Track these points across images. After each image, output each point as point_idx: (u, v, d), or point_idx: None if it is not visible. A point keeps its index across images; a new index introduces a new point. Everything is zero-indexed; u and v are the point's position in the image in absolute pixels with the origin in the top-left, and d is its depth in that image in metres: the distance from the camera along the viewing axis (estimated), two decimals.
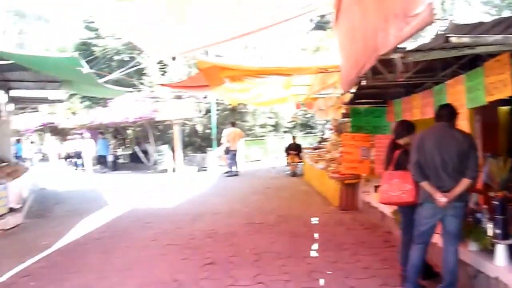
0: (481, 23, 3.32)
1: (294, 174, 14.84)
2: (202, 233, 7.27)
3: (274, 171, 16.44)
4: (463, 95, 4.38)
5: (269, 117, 22.19)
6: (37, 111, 17.75)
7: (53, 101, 14.58)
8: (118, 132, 22.47)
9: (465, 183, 3.84)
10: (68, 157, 23.69)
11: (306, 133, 24.20)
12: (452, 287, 3.94)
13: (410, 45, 3.36)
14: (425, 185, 3.99)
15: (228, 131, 16.05)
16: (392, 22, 2.68)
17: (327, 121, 18.63)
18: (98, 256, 6.16)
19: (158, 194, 11.91)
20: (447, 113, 4.08)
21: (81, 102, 26.40)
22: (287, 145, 16.59)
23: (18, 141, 20.29)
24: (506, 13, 19.68)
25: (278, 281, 4.84)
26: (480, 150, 4.53)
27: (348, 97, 8.06)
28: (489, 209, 4.23)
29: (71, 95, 23.81)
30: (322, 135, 19.25)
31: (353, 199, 8.72)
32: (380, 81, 5.18)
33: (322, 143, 15.44)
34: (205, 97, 18.71)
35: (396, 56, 3.44)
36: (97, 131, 20.82)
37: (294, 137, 16.91)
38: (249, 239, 6.78)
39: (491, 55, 3.73)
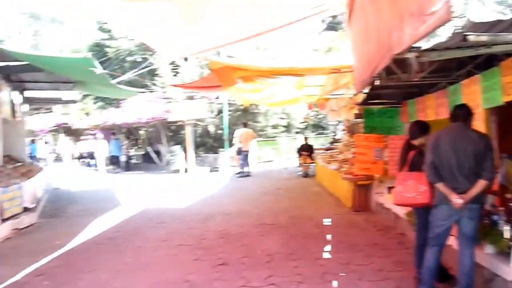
0: (499, 21, 3.24)
1: (306, 175, 14.79)
2: (214, 233, 7.27)
3: (286, 172, 16.40)
4: (478, 95, 4.31)
5: (281, 118, 22.14)
6: (51, 111, 17.93)
7: (67, 102, 14.72)
8: (131, 132, 22.62)
9: (481, 184, 3.78)
10: (81, 157, 23.91)
11: (318, 134, 24.12)
12: None
13: (425, 44, 3.31)
14: (440, 186, 3.93)
15: (240, 132, 16.05)
16: (408, 21, 2.64)
17: (339, 122, 18.54)
18: (111, 256, 6.19)
19: (171, 195, 11.95)
20: (462, 113, 4.01)
21: (94, 103, 26.62)
22: (299, 146, 16.54)
23: (32, 141, 20.53)
24: None
25: (291, 283, 4.81)
26: (497, 151, 4.44)
27: (361, 97, 7.98)
28: (505, 211, 4.16)
29: (85, 96, 24.00)
30: (334, 136, 19.16)
31: (366, 200, 8.65)
32: (393, 81, 5.11)
33: (334, 144, 15.37)
34: (217, 98, 18.74)
35: (411, 55, 3.39)
36: (110, 131, 20.99)
37: (306, 138, 16.86)
38: (261, 240, 6.76)
39: (508, 55, 3.66)
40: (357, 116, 9.15)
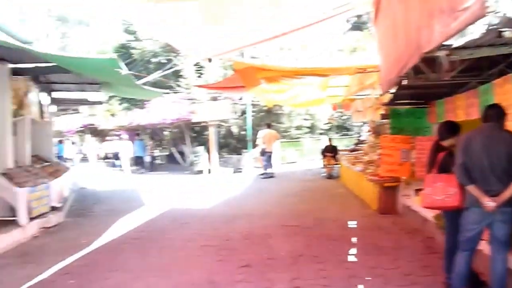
0: None
1: (330, 177, 14.64)
2: (238, 234, 7.25)
3: (310, 173, 16.28)
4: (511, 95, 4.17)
5: (305, 119, 22.01)
6: (78, 112, 18.27)
7: (93, 103, 14.99)
8: (155, 133, 22.86)
9: None
10: (106, 157, 24.29)
11: (342, 135, 23.88)
12: None
13: (456, 42, 3.20)
14: (471, 189, 3.80)
15: (263, 133, 16.01)
16: (438, 18, 2.55)
17: (364, 123, 18.31)
18: (136, 256, 6.23)
19: (194, 195, 12.00)
20: (495, 113, 3.88)
21: (120, 104, 27.01)
22: (323, 147, 16.40)
23: (60, 141, 20.95)
24: None
25: (316, 286, 4.74)
26: None
27: (387, 97, 7.84)
28: None
29: (110, 97, 24.35)
30: (358, 137, 18.92)
31: (393, 203, 8.49)
32: (422, 81, 4.99)
33: (359, 145, 15.18)
34: (240, 99, 18.76)
35: (441, 53, 3.29)
36: (134, 132, 21.26)
37: (330, 139, 16.72)
38: (285, 241, 6.69)
39: None
40: (383, 116, 9.00)
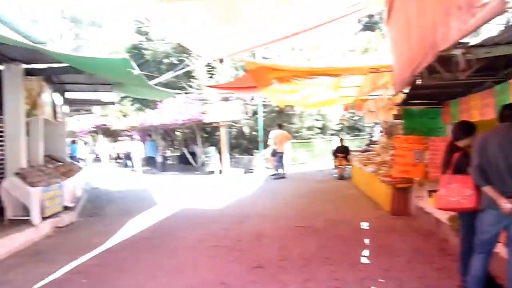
0: None
1: (341, 177, 14.55)
2: (249, 235, 7.22)
3: (321, 174, 16.21)
4: None
5: (316, 119, 21.91)
6: (91, 113, 18.41)
7: (106, 103, 15.07)
8: (167, 133, 22.95)
9: None
10: (118, 157, 24.44)
11: (353, 136, 23.74)
12: None
13: (473, 40, 3.13)
14: (488, 190, 3.72)
15: (275, 133, 15.98)
16: (455, 15, 2.49)
17: (376, 124, 18.17)
18: (148, 256, 6.23)
19: (206, 196, 12.01)
20: (511, 113, 3.79)
21: (132, 104, 27.21)
22: (334, 147, 16.31)
23: (73, 142, 21.12)
24: None
25: None
26: None
27: (400, 98, 7.75)
28: None
29: (122, 98, 24.58)
30: (370, 137, 18.80)
31: (406, 204, 8.39)
32: (436, 81, 4.90)
33: (370, 146, 15.07)
34: (252, 99, 18.75)
35: (457, 52, 3.22)
36: (146, 133, 21.36)
37: (342, 140, 16.62)
38: (297, 243, 6.65)
39: None
40: (396, 117, 8.89)
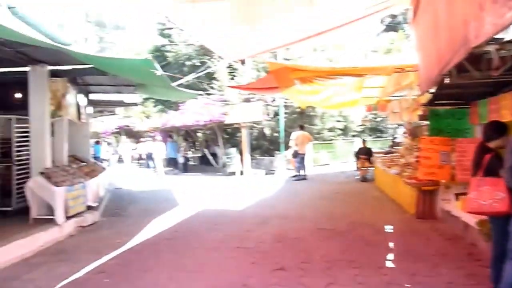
0: None
1: (364, 179, 14.34)
2: (271, 237, 7.14)
3: (343, 176, 16.01)
4: None
5: (338, 121, 21.69)
6: (114, 114, 18.63)
7: (129, 105, 15.22)
8: (189, 135, 23.07)
9: None
10: (140, 158, 24.67)
11: (375, 137, 23.41)
12: None
13: (507, 35, 3.00)
14: None
15: (296, 135, 15.86)
16: (490, 9, 2.38)
17: (399, 125, 17.88)
18: (169, 256, 6.22)
19: (227, 197, 11.98)
20: None
21: (154, 106, 27.47)
22: (357, 149, 16.10)
23: (97, 142, 21.41)
24: None
25: None
26: None
27: (425, 98, 7.57)
28: None
29: (145, 99, 24.83)
30: (393, 139, 18.50)
31: (431, 207, 8.17)
32: (466, 79, 4.74)
33: (394, 147, 14.82)
34: (273, 100, 18.68)
35: (491, 48, 3.08)
36: (167, 134, 21.51)
37: (364, 141, 16.40)
38: (320, 245, 6.55)
39: None
40: (422, 117, 8.71)
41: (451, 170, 7.42)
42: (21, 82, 8.27)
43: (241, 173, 17.42)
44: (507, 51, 3.16)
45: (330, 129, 21.50)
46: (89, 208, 8.89)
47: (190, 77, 13.77)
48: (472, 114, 7.07)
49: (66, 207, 7.77)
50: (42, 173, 7.81)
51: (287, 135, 17.43)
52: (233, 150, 18.17)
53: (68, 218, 7.78)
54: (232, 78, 20.28)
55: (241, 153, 17.75)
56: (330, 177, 16.15)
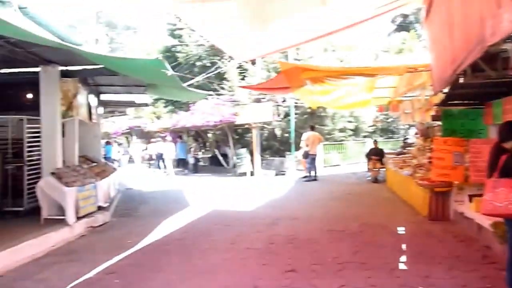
0: None
1: (375, 180, 14.22)
2: (282, 238, 7.10)
3: (355, 177, 15.90)
4: None
5: (349, 121, 21.56)
6: (125, 114, 18.71)
7: (139, 105, 15.29)
8: (199, 135, 23.11)
9: None
10: (151, 159, 24.78)
11: (387, 138, 23.23)
12: None
13: None
14: None
15: (307, 135, 15.78)
16: (508, 6, 2.32)
17: (410, 126, 17.71)
18: (180, 257, 6.21)
19: (237, 197, 11.96)
20: None
21: (165, 106, 27.56)
22: (368, 150, 15.98)
23: (108, 143, 21.55)
24: None
25: None
26: None
27: (438, 98, 7.47)
28: None
29: (156, 100, 24.91)
30: (405, 139, 18.35)
31: (444, 209, 8.06)
32: (481, 79, 4.66)
33: (406, 148, 14.67)
34: (284, 101, 18.63)
35: (508, 46, 3.02)
36: (177, 134, 21.56)
37: (375, 142, 16.26)
38: (331, 247, 6.49)
39: None
40: (434, 118, 8.60)
41: (465, 171, 7.30)
42: (32, 83, 8.33)
43: (252, 173, 17.39)
44: None
45: (341, 130, 21.38)
46: (100, 208, 8.92)
47: (200, 78, 13.75)
48: (486, 115, 6.97)
49: (77, 208, 7.81)
50: (53, 173, 7.86)
51: (298, 135, 17.36)
52: (243, 151, 18.15)
53: (79, 218, 7.82)
54: (243, 79, 20.27)
55: (251, 153, 17.72)
56: (341, 178, 16.05)
